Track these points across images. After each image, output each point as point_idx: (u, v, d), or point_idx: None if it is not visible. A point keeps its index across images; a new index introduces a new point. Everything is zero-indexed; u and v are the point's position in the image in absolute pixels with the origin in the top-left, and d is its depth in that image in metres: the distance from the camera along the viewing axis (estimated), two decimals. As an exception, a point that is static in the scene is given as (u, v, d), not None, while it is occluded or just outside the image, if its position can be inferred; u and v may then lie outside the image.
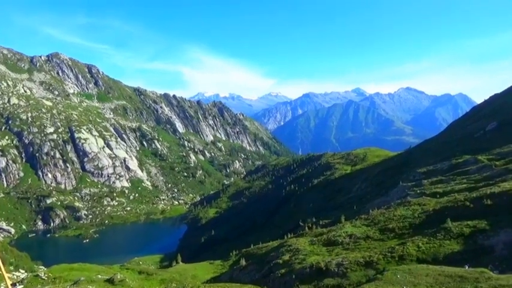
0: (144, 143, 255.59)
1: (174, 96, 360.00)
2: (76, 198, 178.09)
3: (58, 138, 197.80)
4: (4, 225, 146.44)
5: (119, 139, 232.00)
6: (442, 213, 35.39)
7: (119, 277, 36.41)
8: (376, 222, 40.85)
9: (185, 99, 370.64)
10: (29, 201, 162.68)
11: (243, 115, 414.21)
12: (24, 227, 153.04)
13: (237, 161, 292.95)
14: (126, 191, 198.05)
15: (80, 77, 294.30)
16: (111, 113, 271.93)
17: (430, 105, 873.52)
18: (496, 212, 30.80)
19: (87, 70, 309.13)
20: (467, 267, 23.76)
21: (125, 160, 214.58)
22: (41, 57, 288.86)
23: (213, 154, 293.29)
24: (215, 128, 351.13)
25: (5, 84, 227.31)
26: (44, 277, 38.90)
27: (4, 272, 8.39)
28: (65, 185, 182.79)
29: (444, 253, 27.56)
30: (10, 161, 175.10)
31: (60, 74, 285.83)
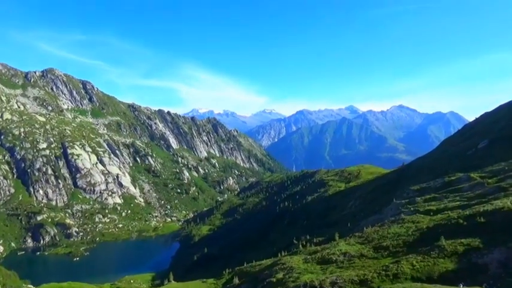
0: (138, 159, 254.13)
1: (168, 112, 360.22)
2: (67, 215, 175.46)
3: (50, 154, 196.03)
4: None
5: (112, 155, 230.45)
6: (435, 230, 35.44)
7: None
8: (370, 240, 40.72)
9: (179, 115, 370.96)
10: (19, 217, 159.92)
11: (237, 131, 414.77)
12: (13, 244, 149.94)
13: (230, 178, 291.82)
14: (119, 208, 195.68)
15: (75, 92, 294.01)
16: (105, 129, 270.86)
17: (423, 123, 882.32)
18: (489, 230, 30.89)
19: (81, 86, 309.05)
20: (461, 286, 23.67)
21: (117, 176, 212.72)
22: (35, 72, 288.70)
23: (206, 170, 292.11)
24: (209, 144, 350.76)
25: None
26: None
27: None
28: (56, 201, 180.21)
29: (439, 271, 27.47)
30: (1, 177, 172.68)
31: (55, 90, 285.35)
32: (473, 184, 53.46)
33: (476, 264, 26.90)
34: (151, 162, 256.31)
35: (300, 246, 59.66)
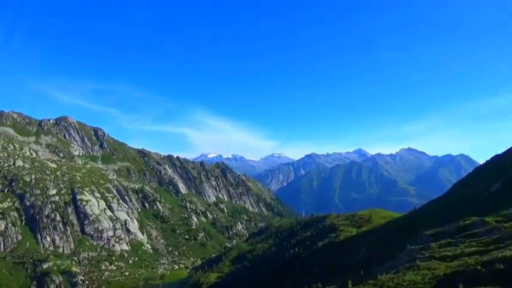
0: (146, 204, 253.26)
1: (177, 157, 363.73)
2: (73, 262, 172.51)
3: (60, 200, 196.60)
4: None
5: (120, 201, 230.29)
6: (453, 278, 34.11)
7: None
8: (385, 288, 39.22)
9: (188, 160, 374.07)
10: (25, 266, 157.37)
11: (245, 176, 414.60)
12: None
13: (239, 223, 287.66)
14: (126, 255, 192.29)
15: (86, 139, 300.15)
16: (115, 174, 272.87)
17: (433, 166, 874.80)
18: (509, 277, 29.68)
19: (93, 133, 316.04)
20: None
21: (125, 222, 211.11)
22: (49, 120, 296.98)
23: (215, 215, 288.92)
24: (218, 189, 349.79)
25: (12, 147, 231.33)
26: None
27: None
28: (63, 248, 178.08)
29: (459, 322, 26.15)
30: (10, 224, 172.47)
31: (67, 137, 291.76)
32: (489, 229, 52.00)
33: (498, 314, 25.61)
34: (160, 207, 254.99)
35: (312, 295, 57.48)
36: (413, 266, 44.24)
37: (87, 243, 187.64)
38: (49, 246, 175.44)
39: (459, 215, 64.27)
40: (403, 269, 44.47)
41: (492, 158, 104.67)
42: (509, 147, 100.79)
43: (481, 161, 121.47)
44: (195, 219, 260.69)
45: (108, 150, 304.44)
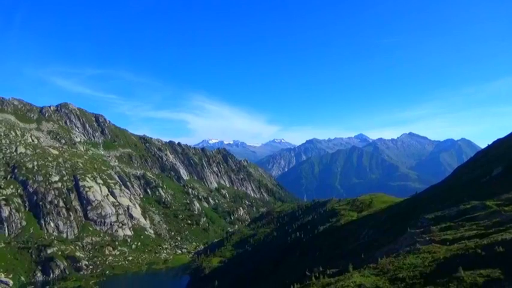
0: (148, 190, 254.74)
1: (179, 143, 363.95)
2: (77, 247, 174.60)
3: (62, 186, 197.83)
4: (3, 276, 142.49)
5: (123, 187, 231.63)
6: (453, 261, 34.31)
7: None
8: (386, 272, 39.52)
9: (190, 146, 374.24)
10: (30, 251, 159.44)
11: (247, 162, 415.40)
12: (23, 278, 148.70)
13: (241, 208, 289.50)
14: (129, 240, 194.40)
15: (87, 126, 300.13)
16: (116, 161, 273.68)
17: (434, 151, 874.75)
18: (509, 260, 29.82)
19: (94, 119, 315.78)
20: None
21: (128, 208, 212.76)
22: (50, 107, 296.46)
23: (217, 201, 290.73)
24: (219, 174, 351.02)
25: (14, 133, 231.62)
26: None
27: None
28: (67, 233, 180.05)
29: (458, 304, 26.39)
30: (13, 210, 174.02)
31: (68, 124, 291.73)
32: (489, 212, 52.16)
33: (497, 296, 25.81)
34: (162, 193, 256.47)
35: (313, 278, 58.06)
36: (413, 249, 44.50)
37: (91, 229, 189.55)
38: (53, 232, 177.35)
39: (460, 199, 64.44)
40: (403, 253, 44.77)
41: (494, 142, 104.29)
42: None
43: (483, 145, 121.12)
44: (197, 204, 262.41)
45: (109, 137, 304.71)
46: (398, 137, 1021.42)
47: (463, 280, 28.88)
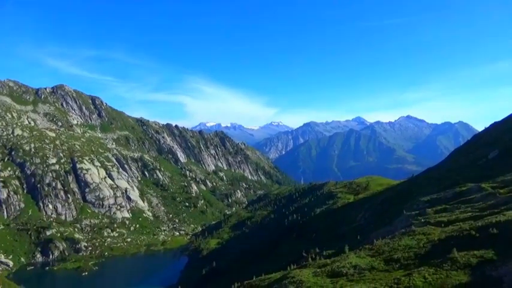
0: (146, 173, 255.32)
1: (176, 126, 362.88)
2: (76, 229, 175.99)
3: (60, 169, 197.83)
4: (3, 257, 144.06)
5: (120, 169, 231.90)
6: (447, 242, 34.77)
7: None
8: (381, 253, 40.06)
9: (187, 129, 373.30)
10: (29, 233, 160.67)
11: (244, 144, 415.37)
12: (22, 259, 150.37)
13: (238, 191, 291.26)
14: (127, 222, 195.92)
15: (84, 108, 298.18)
16: (114, 143, 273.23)
17: (431, 134, 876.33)
18: (503, 241, 30.24)
19: (90, 101, 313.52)
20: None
21: (126, 190, 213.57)
22: (46, 89, 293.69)
23: (214, 184, 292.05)
24: (217, 157, 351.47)
25: (10, 115, 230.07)
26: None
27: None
28: (65, 216, 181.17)
29: (451, 284, 26.82)
30: (12, 192, 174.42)
31: (64, 106, 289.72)
32: (484, 195, 52.63)
33: (490, 276, 26.24)
34: (160, 176, 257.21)
35: (310, 259, 58.93)
36: (408, 231, 45.03)
37: (89, 211, 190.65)
38: (51, 214, 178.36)
39: (456, 182, 64.91)
40: (398, 234, 45.31)
41: (491, 125, 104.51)
42: (508, 114, 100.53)
43: (480, 128, 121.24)
44: (194, 187, 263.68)
45: (106, 119, 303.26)
46: (395, 120, 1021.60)
47: (456, 261, 29.32)
